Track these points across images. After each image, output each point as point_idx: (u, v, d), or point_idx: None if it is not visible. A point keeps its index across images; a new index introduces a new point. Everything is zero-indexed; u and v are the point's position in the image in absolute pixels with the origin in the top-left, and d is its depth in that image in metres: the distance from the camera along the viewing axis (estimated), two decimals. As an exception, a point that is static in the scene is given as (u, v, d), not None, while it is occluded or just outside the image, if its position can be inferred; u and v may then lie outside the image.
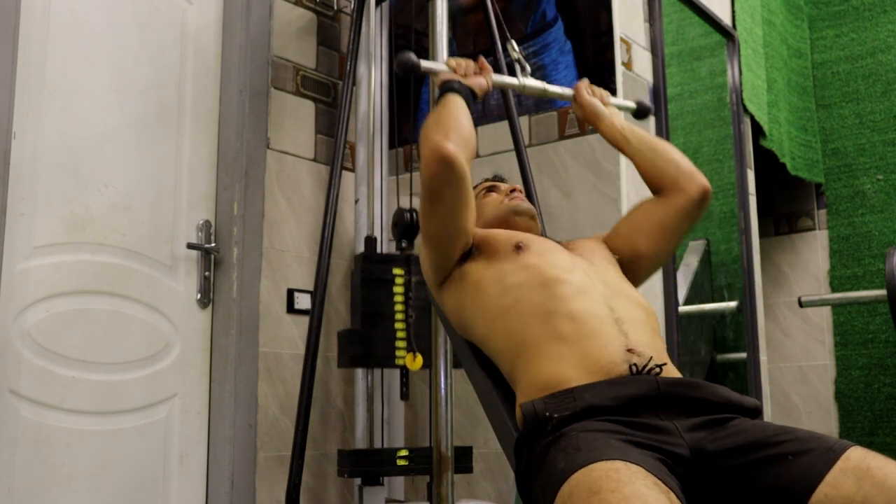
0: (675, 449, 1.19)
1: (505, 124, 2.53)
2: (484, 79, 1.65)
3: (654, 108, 2.59)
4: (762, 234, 3.57)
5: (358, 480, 2.35)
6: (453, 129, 1.47)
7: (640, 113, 1.91)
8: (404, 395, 2.47)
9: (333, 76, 2.82)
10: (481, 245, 1.57)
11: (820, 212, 3.83)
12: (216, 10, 2.64)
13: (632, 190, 2.52)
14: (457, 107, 1.53)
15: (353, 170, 2.71)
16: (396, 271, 2.27)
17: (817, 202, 3.84)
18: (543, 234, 1.79)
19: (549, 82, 1.81)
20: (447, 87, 1.58)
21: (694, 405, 1.28)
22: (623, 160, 2.48)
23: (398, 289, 2.28)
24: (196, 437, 2.41)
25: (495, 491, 2.54)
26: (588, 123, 1.79)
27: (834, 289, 3.74)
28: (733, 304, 3.25)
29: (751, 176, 3.27)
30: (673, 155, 1.67)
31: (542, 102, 2.59)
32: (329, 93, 2.80)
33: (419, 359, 2.20)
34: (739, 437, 1.23)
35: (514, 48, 1.84)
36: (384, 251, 2.46)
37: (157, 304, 2.37)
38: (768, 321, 3.60)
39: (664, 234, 1.65)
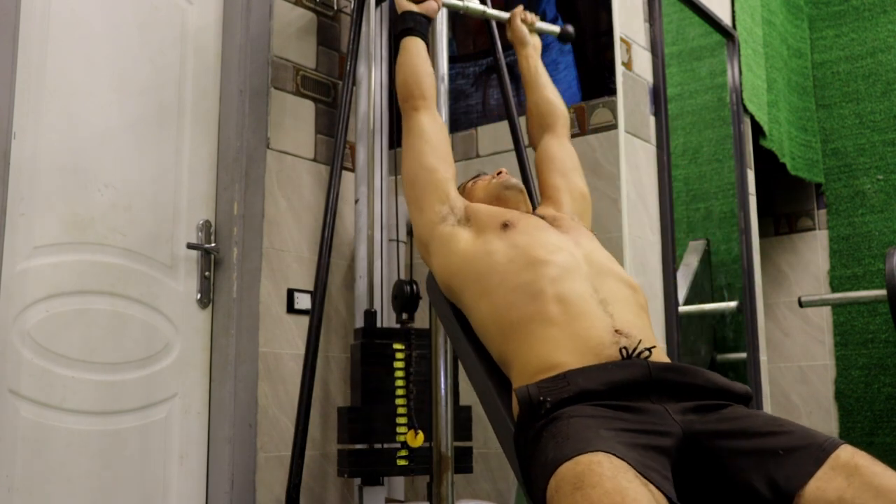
0: (666, 428, 1.22)
1: (505, 124, 2.53)
2: (434, 2, 1.93)
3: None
4: (762, 234, 3.57)
5: (358, 480, 2.35)
6: (414, 77, 1.82)
7: (563, 37, 2.24)
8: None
9: (333, 76, 2.82)
10: (470, 216, 1.67)
11: (820, 212, 3.83)
12: (216, 10, 2.64)
13: (632, 190, 2.52)
14: (415, 52, 1.85)
15: (353, 170, 2.71)
16: (397, 346, 2.25)
17: (817, 202, 3.85)
18: (534, 211, 1.83)
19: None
20: (404, 29, 1.88)
21: (685, 390, 1.31)
22: (623, 160, 2.48)
23: (399, 363, 2.24)
24: (196, 437, 2.41)
25: (495, 491, 2.54)
26: (514, 46, 2.12)
27: (834, 289, 3.74)
28: (733, 304, 3.25)
29: (751, 176, 3.27)
30: (559, 98, 2.02)
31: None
32: (329, 93, 2.80)
33: (420, 436, 2.21)
34: (731, 423, 1.26)
35: None
36: (384, 324, 2.43)
37: (157, 304, 2.37)
38: (768, 321, 3.60)
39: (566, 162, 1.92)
